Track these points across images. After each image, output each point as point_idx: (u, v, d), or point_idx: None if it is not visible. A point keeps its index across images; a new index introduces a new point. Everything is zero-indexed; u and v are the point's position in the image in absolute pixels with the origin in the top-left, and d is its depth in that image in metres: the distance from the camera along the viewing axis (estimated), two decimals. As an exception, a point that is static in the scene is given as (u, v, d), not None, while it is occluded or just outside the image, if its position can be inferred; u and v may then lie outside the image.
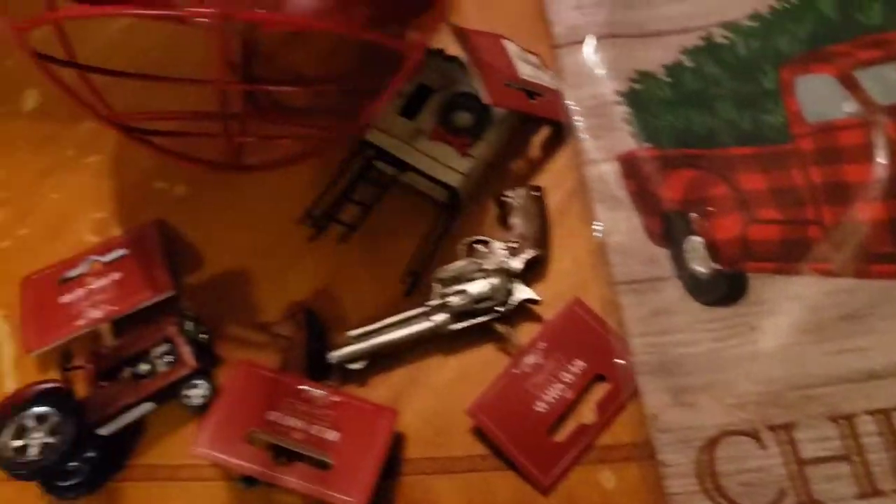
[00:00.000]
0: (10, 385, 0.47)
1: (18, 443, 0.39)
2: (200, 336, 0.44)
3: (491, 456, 0.42)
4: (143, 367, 0.43)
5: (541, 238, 0.45)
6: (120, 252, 0.48)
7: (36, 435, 0.40)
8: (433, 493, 0.42)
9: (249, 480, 0.40)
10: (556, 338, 0.43)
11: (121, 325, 0.46)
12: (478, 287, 0.43)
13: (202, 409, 0.43)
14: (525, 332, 0.44)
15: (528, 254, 0.44)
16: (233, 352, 0.46)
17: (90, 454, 0.41)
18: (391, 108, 0.46)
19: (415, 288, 0.46)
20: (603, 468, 0.41)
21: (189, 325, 0.43)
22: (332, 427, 0.40)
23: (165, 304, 0.46)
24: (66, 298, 0.47)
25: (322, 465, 0.39)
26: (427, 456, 0.43)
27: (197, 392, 0.42)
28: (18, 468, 0.39)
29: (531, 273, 0.45)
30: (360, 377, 0.44)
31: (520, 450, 0.41)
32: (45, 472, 0.39)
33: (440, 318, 0.43)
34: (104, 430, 0.42)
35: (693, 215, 0.45)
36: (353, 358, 0.43)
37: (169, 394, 0.43)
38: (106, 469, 0.43)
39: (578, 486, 0.41)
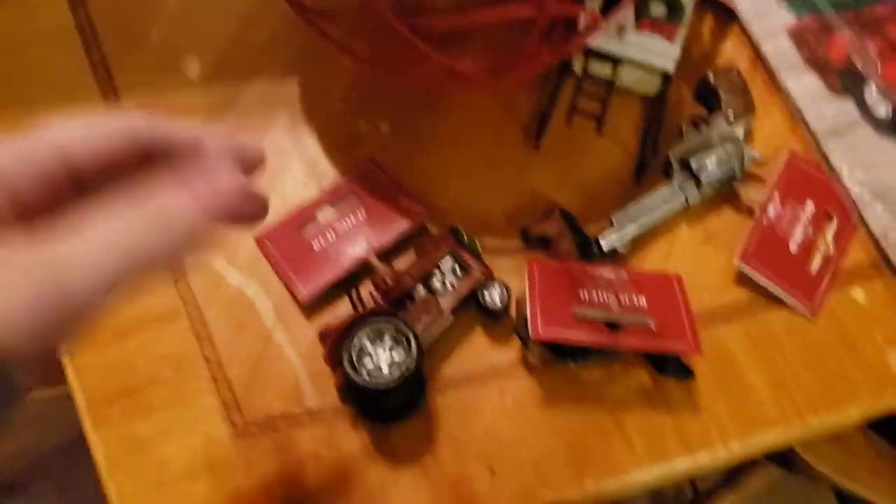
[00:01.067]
0: (280, 337, 0.47)
1: (366, 362, 0.41)
2: (478, 247, 0.46)
3: (755, 297, 0.48)
4: (436, 283, 0.45)
5: (750, 108, 0.50)
6: (351, 194, 0.49)
7: (379, 353, 0.41)
8: (720, 339, 0.47)
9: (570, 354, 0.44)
10: (786, 188, 0.49)
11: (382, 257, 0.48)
12: (716, 156, 0.48)
13: (501, 313, 0.45)
14: (753, 190, 0.50)
15: (745, 122, 0.50)
16: (493, 259, 0.48)
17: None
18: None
19: (643, 174, 0.50)
20: (852, 287, 0.48)
21: (467, 240, 0.46)
22: (638, 294, 0.44)
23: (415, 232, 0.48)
24: (318, 245, 0.48)
25: (644, 327, 0.43)
26: (705, 310, 0.47)
27: (495, 293, 0.45)
28: (377, 387, 0.40)
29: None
30: (623, 258, 0.48)
31: (788, 285, 0.47)
32: (399, 390, 0.41)
33: (690, 191, 0.48)
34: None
35: (862, 67, 0.52)
36: (621, 241, 0.47)
37: (466, 303, 0.45)
38: (419, 387, 0.45)
39: (837, 306, 0.48)
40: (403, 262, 0.47)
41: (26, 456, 1.25)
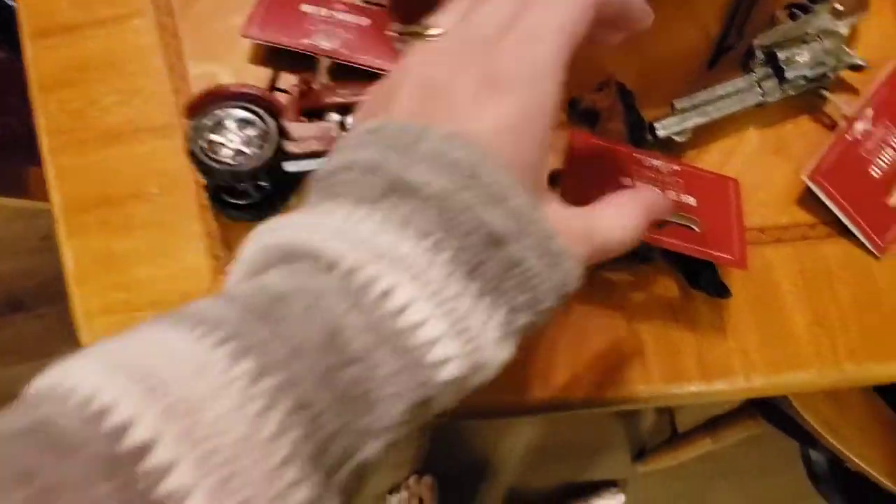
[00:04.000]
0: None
1: (216, 138, 0.37)
2: None
3: (819, 224, 0.42)
4: (350, 121, 0.39)
5: (864, 2, 0.42)
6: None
7: (233, 138, 0.37)
8: (767, 261, 0.41)
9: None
10: (884, 104, 0.42)
11: (338, 72, 0.42)
12: (810, 52, 0.41)
13: None
14: (843, 101, 0.43)
15: (854, 18, 0.42)
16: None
17: (264, 183, 0.39)
18: None
19: (719, 61, 0.43)
20: (932, 231, 0.42)
21: None
22: (686, 193, 0.39)
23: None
24: (307, 8, 0.42)
25: (688, 229, 0.38)
26: (755, 226, 0.42)
27: None
28: (206, 160, 0.36)
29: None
30: (679, 149, 0.42)
31: (859, 214, 0.41)
32: (226, 177, 0.37)
33: (768, 86, 0.41)
34: (289, 167, 0.38)
35: None
36: (680, 130, 0.41)
37: None
38: (270, 204, 0.40)
39: (910, 248, 0.41)
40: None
41: (37, 277, 1.26)
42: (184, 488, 0.16)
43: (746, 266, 0.37)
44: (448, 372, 0.21)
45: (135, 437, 0.17)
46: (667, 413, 1.24)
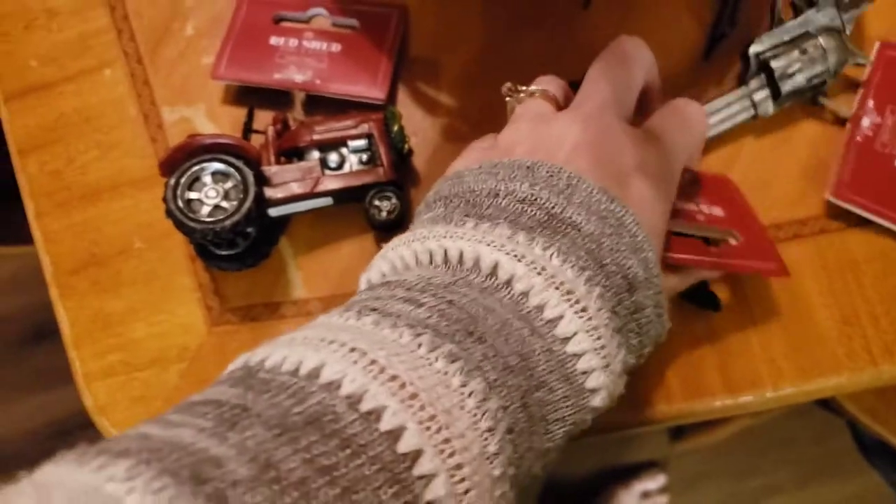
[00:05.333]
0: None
1: (193, 195, 0.36)
2: (405, 147, 0.38)
3: (839, 213, 0.39)
4: (334, 158, 0.38)
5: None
6: (352, 21, 0.41)
7: (210, 193, 0.36)
8: (786, 258, 0.38)
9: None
10: (881, 89, 0.39)
11: (313, 101, 0.41)
12: (808, 62, 0.38)
13: (385, 225, 0.38)
14: (844, 101, 0.40)
15: (861, 7, 0.39)
16: (436, 168, 0.40)
17: (250, 230, 0.38)
18: None
19: (714, 50, 0.41)
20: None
21: (396, 130, 0.38)
22: (714, 203, 0.36)
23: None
24: (276, 41, 0.41)
25: (713, 243, 0.34)
26: (770, 224, 0.39)
27: (386, 205, 0.37)
28: (186, 221, 0.35)
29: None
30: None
31: (891, 209, 0.38)
32: (208, 237, 0.35)
33: (760, 96, 0.38)
34: (273, 212, 0.37)
35: None
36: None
37: (352, 196, 0.38)
38: (258, 250, 0.39)
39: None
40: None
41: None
42: (440, 499, 0.19)
43: (788, 272, 0.34)
44: (597, 400, 0.24)
45: (406, 444, 0.19)
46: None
